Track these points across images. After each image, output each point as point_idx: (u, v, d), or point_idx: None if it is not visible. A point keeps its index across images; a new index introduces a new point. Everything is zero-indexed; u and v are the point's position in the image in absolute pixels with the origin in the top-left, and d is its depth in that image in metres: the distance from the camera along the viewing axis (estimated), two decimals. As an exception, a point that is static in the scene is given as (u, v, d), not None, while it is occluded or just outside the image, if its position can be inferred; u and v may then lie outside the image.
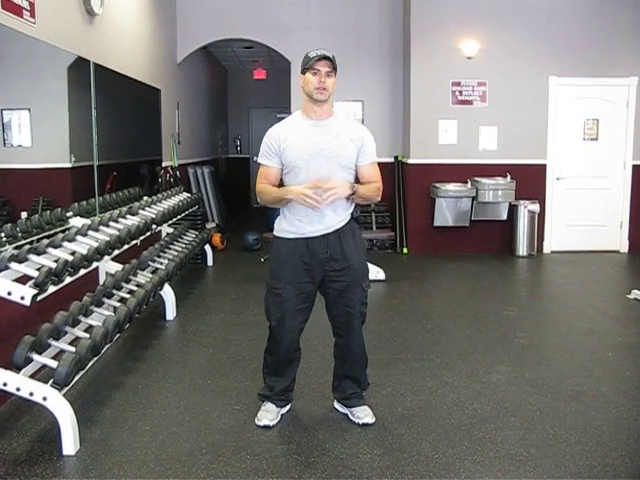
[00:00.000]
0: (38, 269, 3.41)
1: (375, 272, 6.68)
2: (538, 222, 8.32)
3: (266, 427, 3.36)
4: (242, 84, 14.08)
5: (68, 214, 4.80)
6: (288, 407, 3.55)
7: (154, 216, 5.61)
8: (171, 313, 5.41)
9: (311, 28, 8.68)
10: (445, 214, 8.28)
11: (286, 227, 3.28)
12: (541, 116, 8.32)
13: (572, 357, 4.48)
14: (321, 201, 3.07)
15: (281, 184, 3.31)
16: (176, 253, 5.93)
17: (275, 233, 3.36)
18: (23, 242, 3.96)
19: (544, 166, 8.40)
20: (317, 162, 3.17)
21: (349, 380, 3.49)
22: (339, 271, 3.26)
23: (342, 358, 3.49)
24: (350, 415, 3.46)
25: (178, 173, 8.48)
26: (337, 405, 3.57)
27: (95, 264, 4.22)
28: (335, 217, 3.23)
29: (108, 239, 4.35)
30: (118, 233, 4.59)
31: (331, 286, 3.30)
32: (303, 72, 3.20)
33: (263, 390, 3.52)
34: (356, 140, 3.25)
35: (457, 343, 4.78)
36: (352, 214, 3.31)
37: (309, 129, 3.23)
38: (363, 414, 3.43)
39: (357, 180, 3.31)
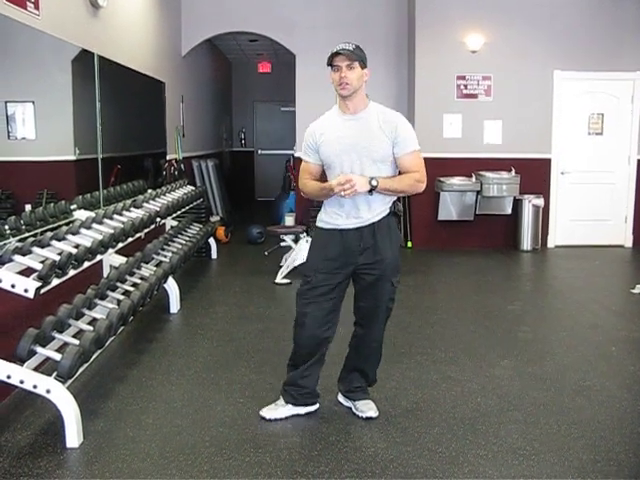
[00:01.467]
0: (42, 262, 3.41)
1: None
2: (542, 216, 8.30)
3: (271, 420, 3.37)
4: (247, 77, 14.04)
5: (72, 207, 4.80)
6: (307, 409, 3.46)
7: (158, 209, 5.60)
8: (175, 306, 5.42)
9: (316, 22, 8.64)
10: (449, 208, 8.27)
11: (324, 218, 3.33)
12: (546, 110, 8.29)
13: (576, 352, 4.47)
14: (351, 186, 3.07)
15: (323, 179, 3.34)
16: (180, 246, 5.93)
17: (317, 223, 3.40)
18: (27, 235, 3.97)
19: (549, 160, 8.37)
20: (350, 157, 3.18)
21: (357, 373, 3.49)
22: (370, 264, 3.26)
23: (357, 349, 3.48)
24: (353, 409, 3.46)
25: (182, 166, 8.47)
26: (341, 398, 3.57)
27: (99, 257, 4.22)
28: (370, 212, 3.22)
29: (112, 232, 4.35)
30: (122, 226, 4.59)
31: (362, 278, 3.31)
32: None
33: (284, 383, 3.48)
34: (389, 132, 3.17)
35: (461, 337, 4.78)
36: (390, 208, 3.29)
37: (342, 124, 3.23)
38: (366, 407, 3.43)
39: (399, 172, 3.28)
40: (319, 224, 3.37)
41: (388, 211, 3.28)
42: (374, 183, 3.11)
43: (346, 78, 3.12)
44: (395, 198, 3.34)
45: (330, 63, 3.15)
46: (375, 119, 3.22)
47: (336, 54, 3.12)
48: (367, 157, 3.18)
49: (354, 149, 3.17)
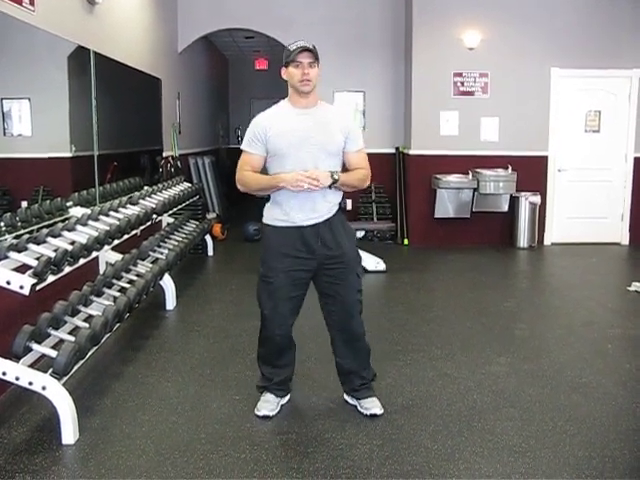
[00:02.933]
0: (37, 258, 3.40)
1: (375, 263, 6.68)
2: (539, 214, 8.30)
3: (266, 417, 3.36)
4: (243, 74, 14.02)
5: (68, 204, 4.79)
6: (287, 397, 3.54)
7: (154, 206, 5.60)
8: (171, 303, 5.41)
9: (313, 19, 8.62)
10: (446, 205, 8.26)
11: (276, 215, 3.28)
12: (543, 108, 8.28)
13: (572, 349, 4.48)
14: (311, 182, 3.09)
15: (264, 171, 3.32)
16: (176, 243, 5.92)
17: (264, 221, 3.35)
18: (23, 231, 3.96)
19: (545, 158, 8.37)
20: (304, 149, 3.18)
21: (353, 374, 3.46)
22: (333, 258, 3.26)
23: (341, 352, 3.45)
24: (358, 407, 3.44)
25: (179, 163, 8.46)
26: (346, 397, 3.54)
27: (95, 254, 4.21)
28: (325, 203, 3.23)
29: (108, 229, 4.34)
30: (118, 223, 4.59)
31: (326, 274, 3.29)
32: (286, 65, 3.21)
33: (260, 381, 3.52)
34: (343, 127, 3.26)
35: (457, 335, 4.78)
36: (340, 204, 3.31)
37: (296, 117, 3.24)
38: (371, 405, 3.41)
39: (344, 167, 3.32)
40: (271, 222, 3.30)
41: (338, 206, 3.30)
42: (336, 177, 3.16)
43: (309, 75, 3.16)
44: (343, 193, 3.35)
45: (293, 59, 3.15)
46: (330, 114, 3.30)
47: (302, 50, 3.14)
48: (322, 150, 3.20)
49: (310, 142, 3.18)
